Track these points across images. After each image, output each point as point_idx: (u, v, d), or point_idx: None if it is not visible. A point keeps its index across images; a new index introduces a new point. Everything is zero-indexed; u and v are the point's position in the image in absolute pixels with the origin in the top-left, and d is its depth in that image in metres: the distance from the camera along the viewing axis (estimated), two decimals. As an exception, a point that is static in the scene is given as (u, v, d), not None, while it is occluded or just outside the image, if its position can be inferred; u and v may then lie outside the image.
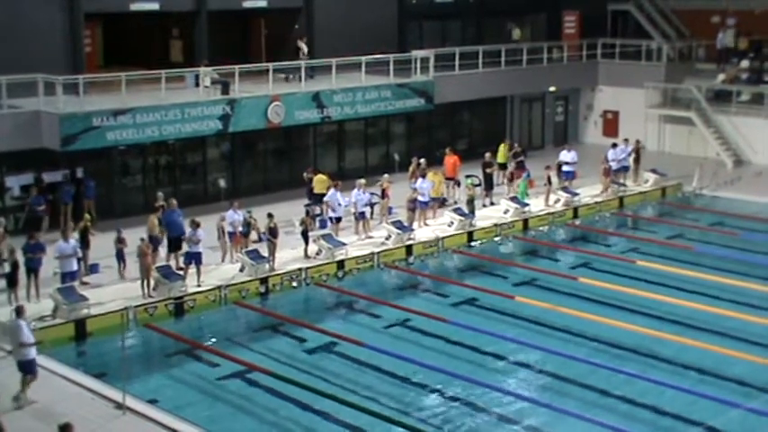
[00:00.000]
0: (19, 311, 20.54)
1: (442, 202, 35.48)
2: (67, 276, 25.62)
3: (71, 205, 31.99)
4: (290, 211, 32.88)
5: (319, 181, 33.69)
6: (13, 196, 32.04)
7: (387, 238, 31.32)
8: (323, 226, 32.01)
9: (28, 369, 20.08)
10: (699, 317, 25.90)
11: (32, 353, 20.16)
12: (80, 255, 26.64)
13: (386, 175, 34.27)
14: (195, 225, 27.43)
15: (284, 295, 28.09)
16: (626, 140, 40.07)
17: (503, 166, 38.50)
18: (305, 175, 34.92)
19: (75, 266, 26.04)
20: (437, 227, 32.98)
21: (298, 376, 22.13)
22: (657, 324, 25.42)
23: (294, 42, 40.09)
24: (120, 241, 27.28)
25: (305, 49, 39.22)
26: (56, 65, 33.03)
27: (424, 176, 33.77)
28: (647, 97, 46.62)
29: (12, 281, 25.39)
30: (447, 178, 36.55)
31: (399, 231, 31.36)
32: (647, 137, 45.71)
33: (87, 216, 29.65)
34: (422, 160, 36.09)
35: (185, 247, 27.63)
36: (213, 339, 24.54)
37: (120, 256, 27.40)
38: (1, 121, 30.78)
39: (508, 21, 46.60)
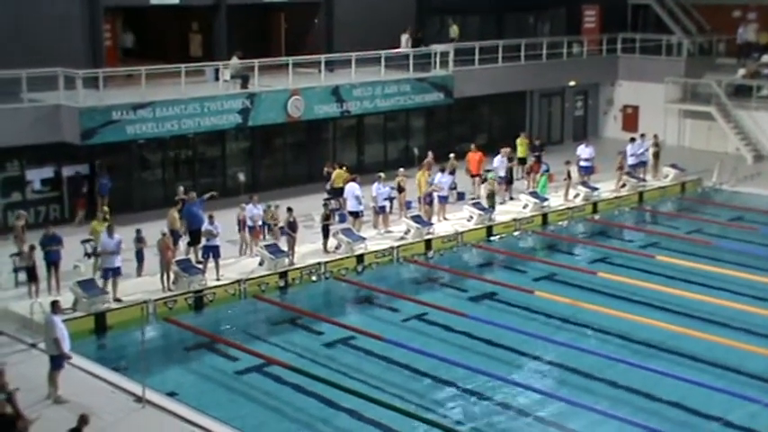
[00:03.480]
0: (54, 307, 20.58)
1: (459, 197, 35.60)
2: (110, 272, 25.32)
3: (107, 198, 32.03)
4: (309, 206, 32.91)
5: (339, 176, 33.71)
6: (34, 190, 32.19)
7: (406, 233, 31.32)
8: (342, 220, 32.07)
9: (59, 364, 20.17)
10: (718, 312, 25.82)
11: (66, 347, 20.19)
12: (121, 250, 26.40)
13: (401, 170, 34.24)
14: (210, 218, 27.48)
15: (303, 289, 28.13)
16: (642, 135, 39.95)
17: (522, 161, 38.45)
18: (325, 170, 34.93)
19: (117, 263, 25.43)
20: (456, 221, 32.95)
21: (316, 370, 22.19)
22: (676, 319, 25.37)
23: (312, 37, 40.30)
24: (139, 240, 27.17)
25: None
26: (76, 59, 33.09)
27: (443, 171, 33.71)
28: (667, 92, 46.46)
29: (32, 276, 25.48)
30: (471, 175, 36.46)
31: (418, 226, 31.36)
32: (667, 132, 45.57)
33: (106, 209, 29.74)
34: (451, 155, 36.13)
35: (203, 241, 27.65)
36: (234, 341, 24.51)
37: (140, 257, 27.25)
38: (21, 115, 30.89)
39: (448, 18, 45.11)
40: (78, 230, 29.86)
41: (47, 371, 20.17)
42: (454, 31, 42.89)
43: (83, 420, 16.97)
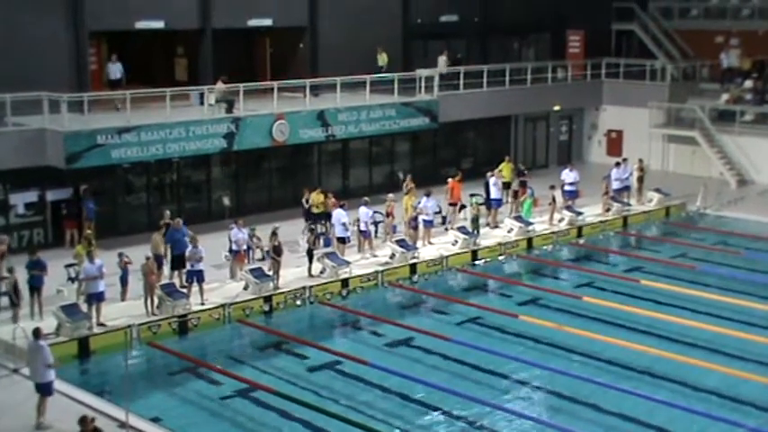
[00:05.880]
0: (37, 333, 20.43)
1: (443, 220, 35.63)
2: (93, 298, 25.14)
3: (93, 222, 31.84)
4: (294, 230, 32.86)
5: (316, 200, 33.64)
6: (18, 214, 32.06)
7: (391, 257, 31.30)
8: (327, 244, 32.05)
9: (47, 391, 20.06)
10: (702, 336, 25.85)
11: (53, 374, 20.16)
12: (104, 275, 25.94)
13: (390, 195, 34.27)
14: (194, 242, 27.42)
15: (288, 313, 28.04)
16: (625, 160, 40.06)
17: (507, 185, 38.51)
18: (304, 198, 34.39)
19: (101, 287, 25.26)
20: (441, 245, 32.95)
21: (301, 395, 22.10)
22: (661, 343, 25.36)
23: (297, 61, 40.46)
24: (124, 265, 27.08)
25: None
26: (61, 83, 33.15)
27: (428, 195, 33.67)
28: (651, 117, 46.63)
29: (13, 300, 25.32)
30: (451, 203, 36.41)
31: (403, 250, 31.34)
32: (651, 156, 45.70)
33: (89, 232, 29.65)
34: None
35: (188, 266, 27.55)
36: (219, 366, 24.43)
37: (124, 281, 27.04)
38: (5, 139, 30.84)
39: (374, 46, 43.20)
40: (64, 254, 29.75)
41: (33, 398, 20.01)
42: (383, 59, 41.85)
43: (83, 422, 17.16)
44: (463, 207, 36.09)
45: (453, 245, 32.93)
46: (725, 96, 46.80)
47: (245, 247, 29.53)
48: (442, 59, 42.50)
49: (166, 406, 21.97)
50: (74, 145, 30.81)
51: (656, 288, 30.04)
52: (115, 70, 36.34)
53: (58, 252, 30.47)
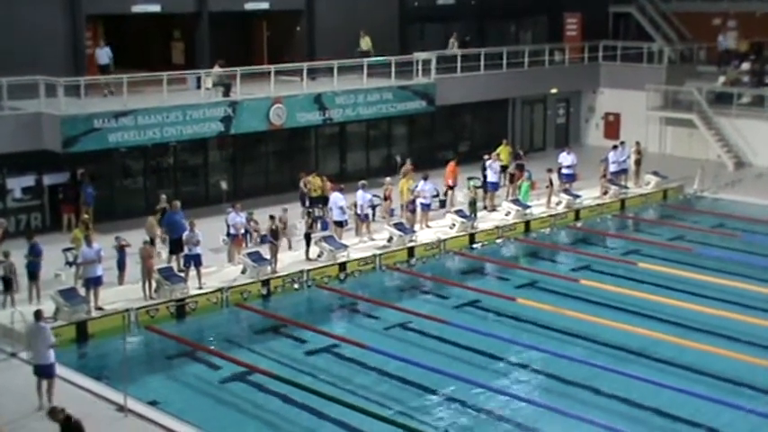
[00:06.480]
0: (38, 315, 20.47)
1: (442, 204, 35.63)
2: (91, 282, 25.12)
3: (92, 207, 31.81)
4: (292, 214, 32.79)
5: (314, 184, 33.66)
6: (15, 198, 32.04)
7: (389, 240, 31.31)
8: (324, 228, 32.05)
9: (47, 372, 20.07)
10: (700, 319, 25.90)
11: (53, 356, 20.18)
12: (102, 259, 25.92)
13: (388, 179, 34.26)
14: (191, 226, 27.41)
15: (286, 297, 28.06)
16: (622, 143, 40.03)
17: (504, 168, 38.50)
18: (301, 182, 34.44)
19: (99, 272, 25.21)
20: (439, 229, 32.96)
21: (299, 378, 22.14)
22: (658, 326, 25.40)
23: (294, 45, 40.33)
24: (121, 249, 27.05)
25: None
26: (57, 66, 33.09)
27: (425, 178, 33.66)
28: (649, 99, 46.59)
29: (8, 283, 25.31)
30: (448, 186, 36.42)
31: (401, 233, 31.35)
32: (649, 139, 45.69)
33: (86, 216, 29.64)
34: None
35: (185, 250, 27.55)
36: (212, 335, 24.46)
37: (122, 265, 27.03)
38: (2, 123, 30.81)
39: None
40: (62, 238, 29.74)
41: (31, 381, 20.03)
42: (366, 43, 41.17)
43: (53, 413, 17.06)
44: (451, 188, 35.94)
45: (451, 228, 32.94)
46: (722, 79, 46.76)
47: (242, 231, 29.51)
48: (451, 41, 42.37)
49: (164, 389, 22.02)
50: (71, 129, 30.78)
51: (654, 271, 30.08)
52: (103, 55, 35.88)
53: (56, 236, 30.46)
